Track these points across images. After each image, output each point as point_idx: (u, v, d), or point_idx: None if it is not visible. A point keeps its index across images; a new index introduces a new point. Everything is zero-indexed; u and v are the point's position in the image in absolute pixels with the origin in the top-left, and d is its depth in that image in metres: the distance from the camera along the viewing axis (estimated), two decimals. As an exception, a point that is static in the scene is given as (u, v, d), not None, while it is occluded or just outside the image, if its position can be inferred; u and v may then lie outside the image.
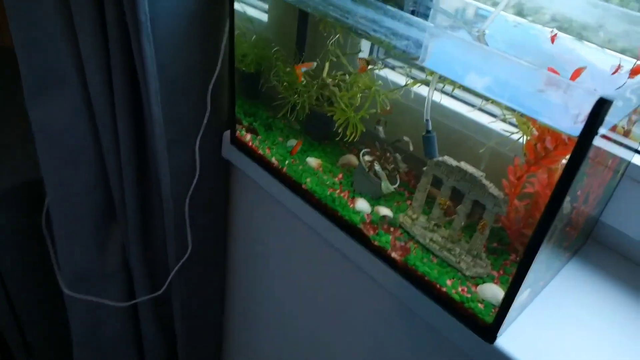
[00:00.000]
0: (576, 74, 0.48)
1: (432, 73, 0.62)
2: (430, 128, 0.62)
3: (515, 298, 0.50)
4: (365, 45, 0.76)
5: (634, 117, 0.53)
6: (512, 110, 0.57)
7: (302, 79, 0.73)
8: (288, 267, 0.88)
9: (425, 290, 0.59)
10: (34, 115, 0.81)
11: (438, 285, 0.58)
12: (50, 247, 0.97)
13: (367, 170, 0.68)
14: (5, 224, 1.03)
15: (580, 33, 0.61)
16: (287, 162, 0.75)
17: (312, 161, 0.75)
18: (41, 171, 0.86)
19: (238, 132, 0.80)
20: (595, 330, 0.56)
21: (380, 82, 0.69)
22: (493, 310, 0.55)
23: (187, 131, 0.80)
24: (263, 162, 0.77)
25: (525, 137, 0.55)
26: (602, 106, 0.38)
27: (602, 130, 0.40)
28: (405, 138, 0.67)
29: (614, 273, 0.63)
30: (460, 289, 0.58)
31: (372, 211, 0.68)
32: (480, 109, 0.66)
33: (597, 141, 0.40)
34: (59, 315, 1.09)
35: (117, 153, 0.82)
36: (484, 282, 0.58)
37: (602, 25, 0.61)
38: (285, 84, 0.76)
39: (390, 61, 0.70)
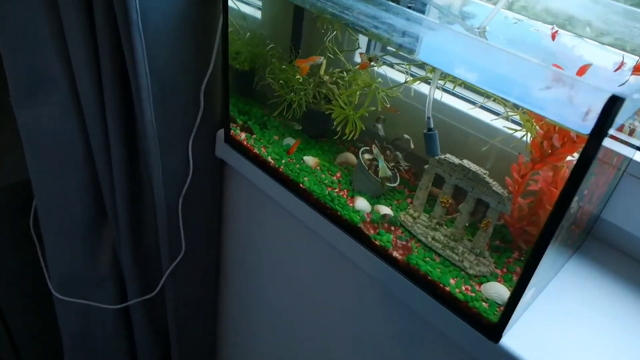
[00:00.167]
0: (582, 71, 0.48)
1: (433, 70, 0.61)
2: (431, 125, 0.61)
3: (521, 297, 0.49)
4: (362, 42, 0.75)
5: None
6: (517, 107, 0.57)
7: (298, 76, 0.72)
8: (284, 268, 0.87)
9: (428, 289, 0.59)
10: (22, 117, 0.79)
11: (441, 285, 0.57)
12: (38, 250, 0.95)
13: (366, 168, 0.67)
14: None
15: (565, 25, 0.61)
16: (283, 161, 0.74)
17: (310, 160, 0.74)
18: (29, 173, 0.84)
19: (232, 131, 0.79)
20: (598, 327, 0.56)
21: (379, 79, 0.68)
22: (498, 309, 0.55)
23: (180, 130, 0.78)
24: (259, 161, 0.76)
25: (529, 135, 0.55)
26: (614, 104, 0.38)
27: (612, 129, 0.40)
28: (406, 136, 0.66)
29: (615, 269, 0.63)
30: (464, 288, 0.57)
31: (372, 210, 0.67)
32: (482, 107, 0.65)
33: (606, 140, 0.40)
34: (48, 319, 1.07)
35: (108, 154, 0.80)
36: (487, 281, 0.58)
37: (590, 21, 0.61)
38: (281, 81, 0.74)
39: (388, 58, 0.69)
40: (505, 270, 0.59)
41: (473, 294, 0.56)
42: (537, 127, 0.54)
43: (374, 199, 0.69)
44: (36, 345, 1.21)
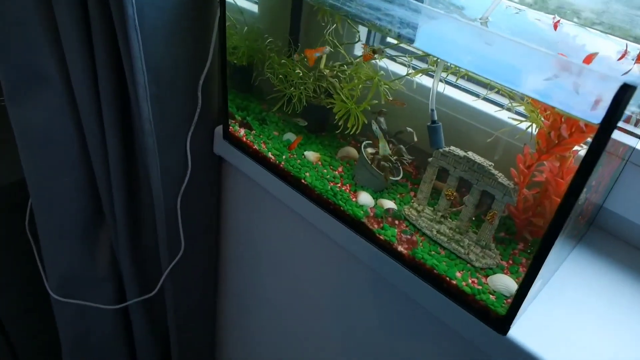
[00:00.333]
0: (588, 60, 0.48)
1: (436, 62, 0.60)
2: (435, 118, 0.61)
3: (530, 289, 0.49)
4: (361, 34, 0.74)
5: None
6: (522, 98, 0.57)
7: (298, 70, 0.71)
8: (285, 265, 0.86)
9: (434, 283, 0.58)
10: (15, 115, 0.77)
11: (448, 278, 0.57)
12: (35, 250, 0.93)
13: (369, 162, 0.67)
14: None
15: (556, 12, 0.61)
16: (284, 156, 0.73)
17: (311, 155, 0.73)
18: (24, 172, 0.82)
19: (231, 127, 0.78)
20: (605, 317, 0.56)
21: (382, 72, 0.68)
22: (505, 301, 0.54)
23: (178, 127, 0.77)
24: (258, 158, 0.75)
25: (535, 126, 0.54)
26: (625, 92, 0.37)
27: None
28: (409, 129, 0.65)
29: (619, 259, 0.63)
30: (470, 281, 0.57)
31: (376, 204, 0.66)
32: (485, 99, 0.65)
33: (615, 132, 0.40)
34: (46, 320, 1.06)
35: (104, 152, 0.79)
36: (494, 273, 0.58)
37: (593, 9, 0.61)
38: (280, 76, 0.73)
39: (391, 51, 0.68)
40: (511, 262, 0.59)
41: (480, 287, 0.56)
42: (542, 118, 0.54)
43: (377, 193, 0.68)
44: (34, 347, 1.20)
